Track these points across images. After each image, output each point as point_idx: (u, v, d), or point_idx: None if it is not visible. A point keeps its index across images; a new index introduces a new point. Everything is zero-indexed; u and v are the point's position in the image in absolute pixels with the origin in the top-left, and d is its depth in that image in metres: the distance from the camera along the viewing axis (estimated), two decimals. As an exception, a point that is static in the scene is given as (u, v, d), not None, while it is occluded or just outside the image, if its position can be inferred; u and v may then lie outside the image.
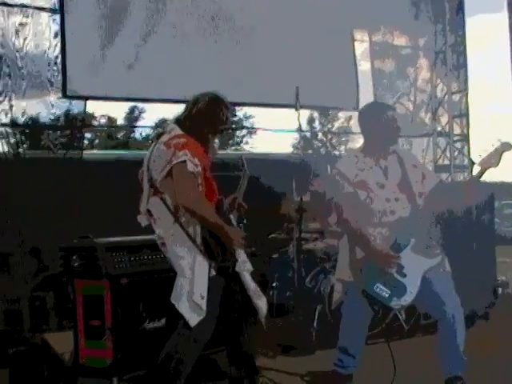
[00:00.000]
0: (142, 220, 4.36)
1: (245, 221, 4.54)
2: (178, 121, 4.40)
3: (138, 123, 36.32)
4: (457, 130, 12.08)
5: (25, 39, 7.37)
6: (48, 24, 7.73)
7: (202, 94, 4.46)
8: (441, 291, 4.54)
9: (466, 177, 11.52)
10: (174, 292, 4.16)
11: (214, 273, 4.15)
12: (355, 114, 5.50)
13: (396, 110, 5.02)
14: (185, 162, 4.05)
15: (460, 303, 4.58)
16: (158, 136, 4.39)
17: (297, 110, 6.76)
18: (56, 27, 7.77)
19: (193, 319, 4.09)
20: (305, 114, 32.49)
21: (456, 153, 11.89)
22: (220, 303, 4.25)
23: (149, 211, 4.30)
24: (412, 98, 11.92)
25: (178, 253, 4.17)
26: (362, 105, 9.80)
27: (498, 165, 4.34)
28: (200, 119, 4.35)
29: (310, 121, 37.12)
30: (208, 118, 4.37)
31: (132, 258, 5.05)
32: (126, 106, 34.38)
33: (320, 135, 38.81)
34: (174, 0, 8.62)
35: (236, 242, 4.19)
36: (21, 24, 7.40)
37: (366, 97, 10.89)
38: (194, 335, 4.14)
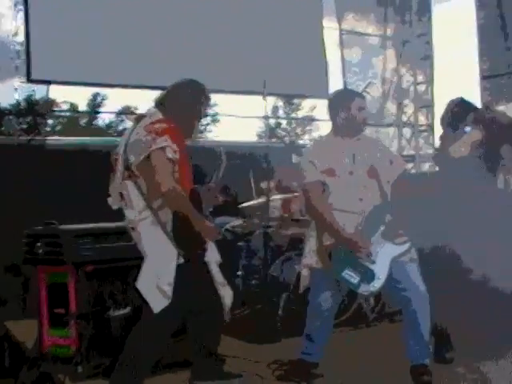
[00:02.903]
0: (113, 203, 4.32)
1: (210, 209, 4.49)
2: (160, 105, 4.36)
3: (101, 109, 35.97)
4: (422, 120, 12.16)
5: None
6: (12, 8, 7.62)
7: (185, 79, 4.46)
8: (407, 278, 4.56)
9: (430, 166, 11.60)
10: (139, 278, 4.13)
11: (182, 261, 4.11)
12: (320, 103, 5.49)
13: (364, 97, 5.00)
14: (164, 148, 4.03)
15: (426, 291, 4.60)
16: (138, 119, 4.35)
17: (264, 98, 6.72)
18: (20, 11, 7.66)
19: (157, 306, 4.06)
20: (269, 102, 32.52)
21: (421, 143, 11.97)
22: (187, 291, 4.21)
23: (121, 194, 4.25)
24: (379, 88, 11.98)
25: (147, 238, 4.14)
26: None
27: (467, 153, 4.36)
28: (185, 105, 4.33)
29: (274, 109, 37.10)
30: (193, 103, 4.36)
31: (97, 245, 4.97)
32: (88, 93, 34.04)
33: (284, 124, 38.82)
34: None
35: (209, 236, 4.19)
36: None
37: (336, 85, 10.94)
38: (159, 322, 4.11)
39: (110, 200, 4.33)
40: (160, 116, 4.25)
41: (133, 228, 4.22)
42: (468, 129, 4.56)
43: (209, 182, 4.50)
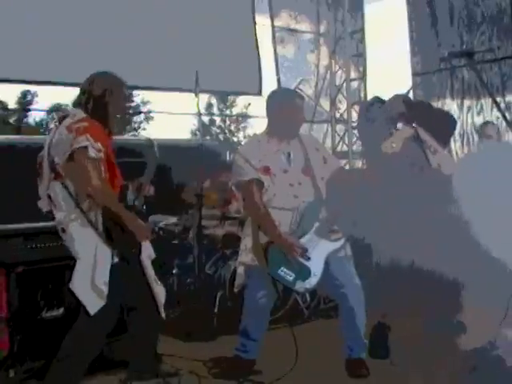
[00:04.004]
0: (43, 205, 4.25)
1: (144, 207, 4.44)
2: (79, 104, 4.26)
3: (31, 107, 35.39)
4: (355, 117, 12.27)
5: None
6: None
7: (97, 73, 4.34)
8: (342, 274, 4.64)
9: (364, 163, 11.72)
10: (73, 279, 4.07)
11: (116, 260, 4.06)
12: (254, 100, 5.49)
13: (303, 98, 5.02)
14: (86, 147, 3.95)
15: (360, 287, 4.67)
16: (61, 119, 4.24)
17: (196, 95, 6.66)
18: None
19: (93, 307, 4.02)
20: (203, 99, 32.44)
21: (354, 139, 12.07)
22: (123, 291, 4.18)
23: (49, 196, 4.17)
24: (313, 84, 12.05)
25: (78, 239, 4.07)
26: (264, 90, 9.86)
27: (399, 149, 4.40)
28: (102, 100, 4.23)
29: (208, 107, 37.08)
30: (110, 97, 4.25)
31: (28, 246, 4.86)
32: (18, 90, 33.44)
33: (218, 121, 38.82)
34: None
35: (139, 235, 4.14)
36: None
37: (269, 82, 10.94)
38: (95, 323, 4.06)
39: (39, 203, 4.25)
40: (82, 115, 4.16)
41: (63, 230, 4.15)
42: (399, 125, 4.62)
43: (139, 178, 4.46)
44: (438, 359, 4.52)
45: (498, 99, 9.23)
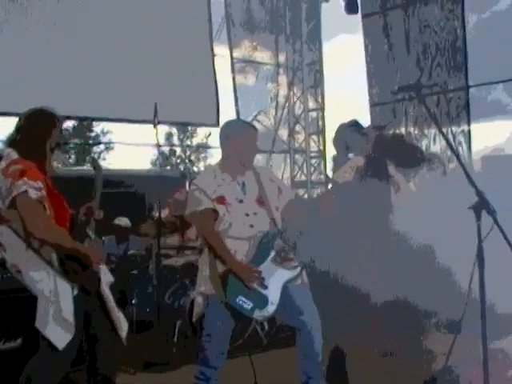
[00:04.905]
0: None
1: (92, 236, 4.43)
2: (13, 143, 4.17)
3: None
4: (314, 146, 12.41)
5: None
6: None
7: (30, 110, 4.27)
8: (300, 302, 4.67)
9: (321, 192, 11.83)
10: (38, 317, 4.04)
11: (75, 292, 4.06)
12: (214, 130, 5.56)
13: (256, 129, 5.09)
14: (26, 191, 3.88)
15: (317, 313, 4.72)
16: None
17: (155, 126, 6.70)
18: None
19: (61, 341, 3.99)
20: (163, 129, 32.43)
21: (312, 169, 12.20)
22: (84, 321, 4.18)
23: None
24: (272, 115, 12.16)
25: (35, 278, 4.03)
26: (222, 120, 9.93)
27: (351, 178, 4.50)
28: (34, 137, 4.15)
29: (169, 136, 37.06)
30: (43, 134, 4.19)
31: (-15, 278, 4.86)
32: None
33: (178, 151, 38.77)
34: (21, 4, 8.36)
35: (94, 262, 4.14)
36: None
37: (228, 112, 11.01)
38: (59, 356, 4.04)
39: None
40: (15, 156, 4.07)
41: (18, 271, 4.11)
42: (351, 155, 4.73)
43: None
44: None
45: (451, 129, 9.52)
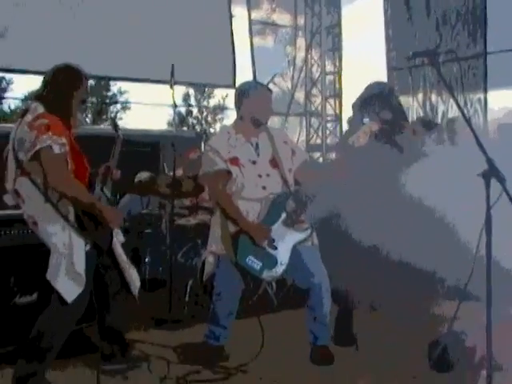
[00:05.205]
0: (9, 200, 4.25)
1: (109, 195, 4.51)
2: (40, 97, 4.26)
3: (6, 95, 34.90)
4: (330, 110, 12.37)
5: None
6: None
7: (57, 66, 4.34)
8: (310, 263, 4.74)
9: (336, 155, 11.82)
10: (49, 269, 4.11)
11: (88, 248, 4.13)
12: (231, 92, 5.56)
13: (271, 90, 5.11)
14: (50, 146, 3.96)
15: (327, 275, 4.77)
16: (23, 114, 4.23)
17: (171, 86, 6.71)
18: None
19: (70, 294, 4.07)
20: (181, 90, 32.34)
21: (328, 132, 12.18)
22: (95, 277, 4.27)
23: (16, 191, 4.18)
24: (289, 77, 12.11)
25: (51, 231, 4.10)
26: (239, 82, 9.90)
27: (366, 143, 4.51)
28: (61, 92, 4.23)
29: (186, 97, 36.97)
30: (69, 89, 4.26)
31: (2, 232, 4.92)
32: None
33: (195, 112, 38.70)
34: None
35: (110, 221, 4.19)
36: None
37: (245, 74, 10.99)
38: (69, 309, 4.12)
39: (5, 197, 4.26)
40: (41, 110, 4.14)
41: (34, 223, 4.19)
42: (366, 120, 4.73)
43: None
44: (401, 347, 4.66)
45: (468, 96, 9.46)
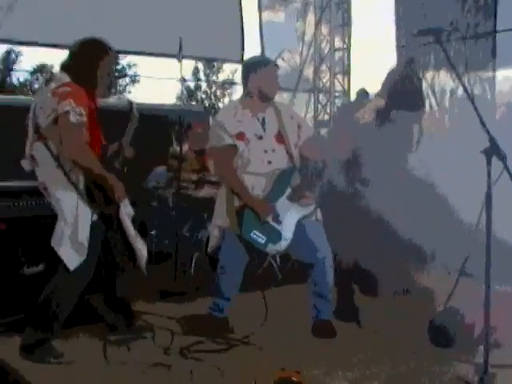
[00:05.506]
0: (25, 164, 4.35)
1: (125, 169, 4.56)
2: (66, 67, 4.35)
3: (15, 67, 34.83)
4: (338, 86, 12.34)
5: None
6: None
7: (87, 39, 4.43)
8: (313, 238, 4.79)
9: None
10: (54, 236, 4.21)
11: (95, 218, 4.21)
12: (240, 67, 5.58)
13: (277, 65, 5.14)
14: (68, 112, 4.05)
15: (330, 251, 4.82)
16: (47, 82, 4.36)
17: (180, 61, 6.72)
18: None
19: (72, 262, 4.16)
20: (190, 64, 32.23)
21: (336, 109, 12.15)
22: (101, 248, 4.36)
23: (32, 156, 4.29)
24: (298, 53, 12.06)
25: (59, 197, 4.20)
26: (247, 57, 9.89)
27: (371, 119, 4.55)
28: (86, 63, 4.31)
29: (195, 71, 36.86)
30: (95, 60, 4.34)
31: (10, 204, 4.98)
32: (1, 49, 32.90)
33: (204, 86, 38.56)
34: None
35: (118, 194, 4.27)
36: None
37: (253, 49, 10.95)
38: (73, 278, 4.21)
39: (22, 162, 4.35)
40: (67, 79, 4.25)
41: (45, 188, 4.29)
42: (371, 96, 4.76)
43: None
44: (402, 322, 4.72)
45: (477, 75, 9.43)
